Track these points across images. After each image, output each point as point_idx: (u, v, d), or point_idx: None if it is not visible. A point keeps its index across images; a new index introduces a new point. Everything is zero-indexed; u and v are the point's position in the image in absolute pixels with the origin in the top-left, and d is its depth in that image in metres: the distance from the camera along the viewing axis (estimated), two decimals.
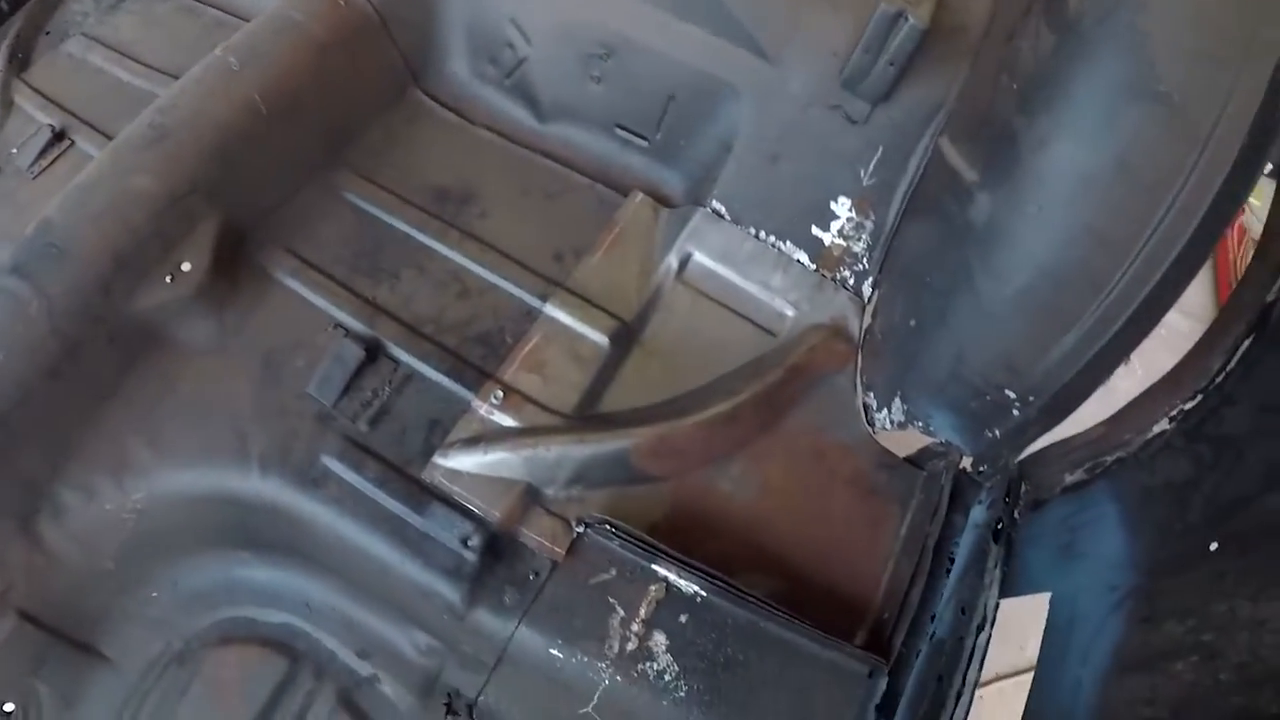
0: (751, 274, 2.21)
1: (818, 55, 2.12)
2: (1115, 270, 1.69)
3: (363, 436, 1.95)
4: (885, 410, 2.11)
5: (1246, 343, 1.75)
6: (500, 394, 1.98)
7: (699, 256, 2.22)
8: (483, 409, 1.97)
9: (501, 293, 2.13)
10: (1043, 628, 1.90)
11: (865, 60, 1.99)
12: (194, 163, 1.98)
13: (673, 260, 2.22)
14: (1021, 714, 1.82)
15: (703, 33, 2.21)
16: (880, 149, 2.09)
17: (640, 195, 2.32)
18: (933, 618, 1.92)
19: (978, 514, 2.00)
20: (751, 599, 1.86)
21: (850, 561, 2.00)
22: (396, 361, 2.02)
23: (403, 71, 2.39)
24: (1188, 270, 1.69)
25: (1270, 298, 1.71)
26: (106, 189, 1.92)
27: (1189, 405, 1.83)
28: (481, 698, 2.00)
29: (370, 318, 2.04)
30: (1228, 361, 1.77)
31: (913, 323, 2.04)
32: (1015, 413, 1.92)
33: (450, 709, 2.01)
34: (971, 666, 1.91)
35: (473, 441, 1.93)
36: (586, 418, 2.01)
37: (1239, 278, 1.89)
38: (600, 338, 2.08)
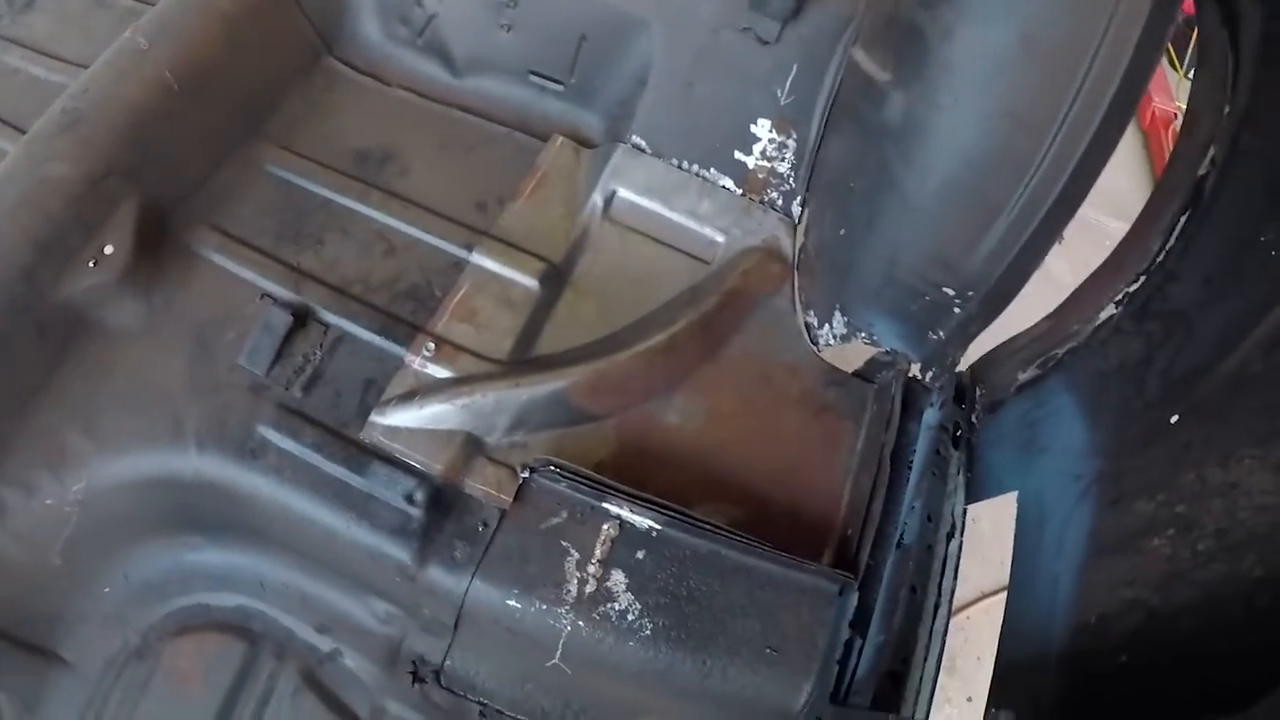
0: (678, 204, 2.11)
1: None
2: (1036, 151, 1.60)
3: (298, 403, 1.83)
4: (827, 326, 2.00)
5: (1183, 219, 1.68)
6: (432, 346, 1.87)
7: (623, 192, 2.12)
8: (416, 363, 1.86)
9: (426, 247, 2.03)
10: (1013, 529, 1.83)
11: None
12: (109, 145, 1.88)
13: (597, 199, 2.11)
14: (1001, 627, 1.74)
15: None
16: (794, 67, 1.99)
17: (560, 139, 2.23)
18: (899, 528, 1.81)
19: (930, 416, 1.88)
20: (709, 527, 1.73)
21: (808, 482, 1.88)
22: (326, 325, 1.91)
23: (314, 40, 2.30)
24: (1109, 141, 1.59)
25: (1201, 172, 1.64)
26: (22, 179, 1.82)
27: (1133, 287, 1.76)
28: (447, 662, 1.89)
29: (297, 284, 1.93)
30: (1167, 240, 1.71)
31: (842, 232, 1.93)
32: (956, 310, 1.80)
33: (416, 677, 1.91)
34: (946, 575, 1.82)
35: (408, 396, 1.82)
36: (522, 362, 1.89)
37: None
38: (530, 281, 1.98)
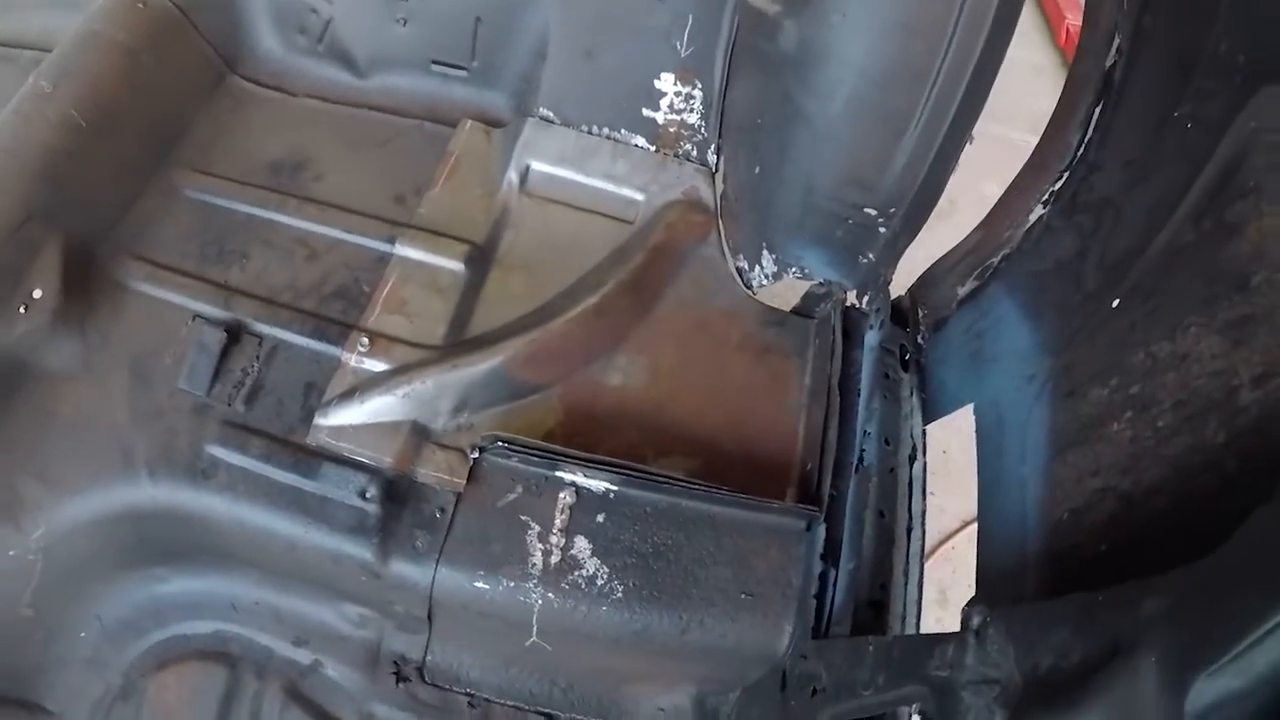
0: (593, 169, 2.00)
1: None
2: (933, 57, 1.50)
3: (241, 417, 1.71)
4: (758, 267, 1.88)
5: (1097, 110, 1.61)
6: (366, 341, 1.74)
7: (537, 165, 2.01)
8: (352, 360, 1.74)
9: (349, 246, 1.92)
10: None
11: None
12: (24, 190, 1.77)
13: (513, 175, 2.00)
14: (977, 541, 1.66)
15: None
16: (690, 17, 1.87)
17: (469, 122, 2.11)
18: (857, 455, 1.71)
19: (870, 338, 1.76)
20: (665, 480, 1.61)
21: (760, 423, 1.77)
22: (260, 336, 1.80)
23: (216, 61, 2.20)
24: (1003, 39, 1.51)
25: (1109, 62, 1.56)
26: None
27: (1058, 185, 1.68)
28: (428, 657, 1.79)
29: (227, 301, 1.82)
30: (1085, 133, 1.63)
31: (757, 170, 1.81)
32: (881, 229, 1.67)
33: (400, 676, 1.82)
34: (915, 497, 1.73)
35: (349, 394, 1.69)
36: (457, 344, 1.78)
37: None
38: (455, 264, 1.86)
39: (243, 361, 1.81)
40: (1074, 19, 4.83)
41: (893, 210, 1.65)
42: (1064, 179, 1.68)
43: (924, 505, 1.73)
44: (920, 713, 1.62)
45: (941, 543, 2.96)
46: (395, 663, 1.79)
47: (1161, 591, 0.88)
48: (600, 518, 1.67)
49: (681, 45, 1.87)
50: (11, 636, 1.73)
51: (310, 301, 1.87)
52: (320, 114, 2.20)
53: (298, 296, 1.88)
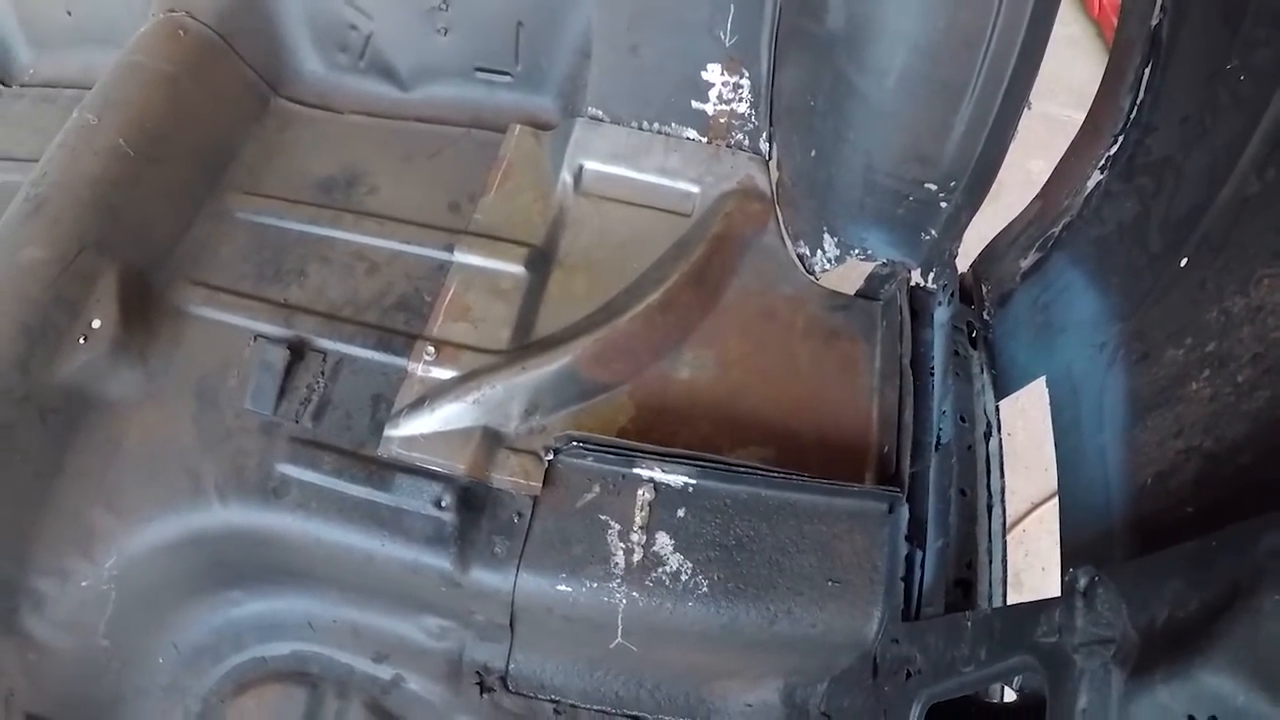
0: (646, 165, 2.04)
1: None
2: (984, 24, 1.52)
3: (310, 433, 1.75)
4: (819, 252, 1.92)
5: (1146, 71, 1.61)
6: (433, 350, 1.79)
7: (591, 164, 2.05)
8: (419, 370, 1.78)
9: (408, 257, 1.96)
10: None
11: None
12: (77, 222, 1.82)
13: (566, 176, 2.05)
14: (1059, 514, 1.64)
15: None
16: (732, 6, 1.92)
17: (518, 126, 2.16)
18: (934, 434, 1.73)
19: (940, 315, 1.80)
20: (745, 470, 1.65)
21: (834, 408, 1.80)
22: (324, 352, 1.84)
23: (259, 85, 2.25)
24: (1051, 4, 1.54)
25: (1154, 21, 1.58)
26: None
27: (1114, 149, 1.68)
28: (511, 665, 1.80)
29: (287, 319, 1.86)
30: (1136, 95, 1.64)
31: (813, 154, 1.85)
32: (943, 204, 1.72)
33: (484, 687, 1.82)
34: (992, 475, 1.72)
35: (418, 403, 1.73)
36: (524, 347, 1.82)
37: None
38: (516, 268, 1.91)
39: (308, 378, 1.85)
40: None
41: (953, 184, 1.70)
42: (1119, 143, 1.69)
43: (1002, 482, 1.73)
44: (1020, 689, 1.61)
45: (1013, 526, 2.92)
46: (478, 673, 1.81)
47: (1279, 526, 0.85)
48: (681, 512, 1.69)
49: (725, 35, 1.91)
50: (89, 668, 1.76)
51: (373, 314, 1.91)
52: (368, 129, 2.26)
53: (359, 310, 1.92)
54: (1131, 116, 1.65)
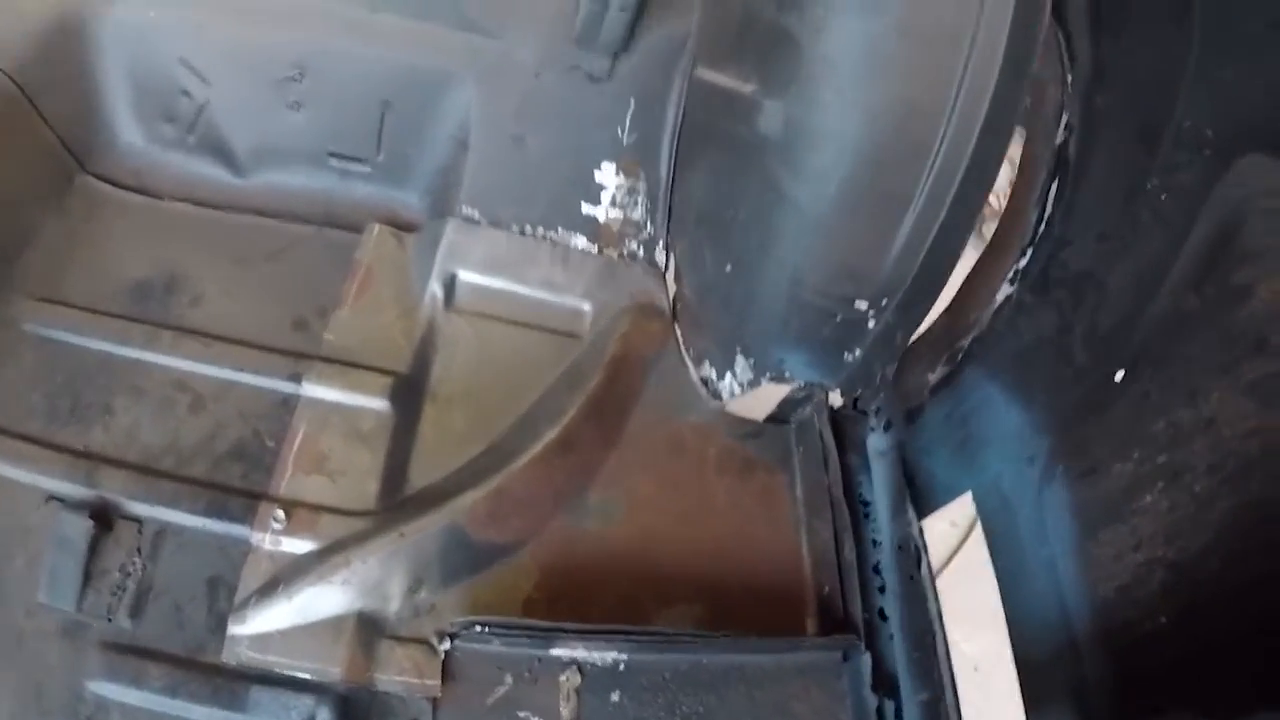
0: (530, 277, 1.83)
1: (541, 18, 1.83)
2: (934, 133, 1.47)
3: (129, 635, 1.39)
4: (729, 375, 1.81)
5: (1054, 186, 1.65)
6: (281, 515, 1.47)
7: (465, 275, 1.82)
8: (267, 541, 1.45)
9: (243, 389, 1.62)
10: (976, 525, 1.64)
11: (595, 10, 1.72)
12: None
13: (436, 288, 1.79)
14: (1005, 621, 1.51)
15: (405, 21, 1.85)
16: (632, 102, 1.81)
17: (378, 226, 1.88)
18: (876, 568, 1.65)
19: (877, 442, 1.76)
20: (682, 639, 1.47)
21: (760, 547, 1.67)
22: (139, 520, 1.46)
23: (64, 156, 1.82)
24: (1008, 115, 1.48)
25: (1059, 139, 1.64)
26: None
27: (1023, 263, 1.71)
28: None
29: (89, 474, 1.48)
30: (1043, 210, 1.67)
31: (729, 268, 1.76)
32: (871, 324, 1.67)
33: None
34: (930, 600, 1.61)
35: (270, 588, 1.41)
36: (398, 506, 1.54)
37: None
38: (379, 402, 1.62)
39: (120, 556, 1.47)
40: None
41: (885, 301, 1.69)
42: (1029, 256, 1.71)
43: (939, 607, 1.62)
44: None
45: None
46: None
47: None
48: (615, 696, 1.46)
49: (623, 132, 1.80)
50: None
51: (200, 466, 1.56)
52: (194, 221, 1.90)
53: (183, 461, 1.57)
54: (1040, 230, 1.68)
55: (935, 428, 1.77)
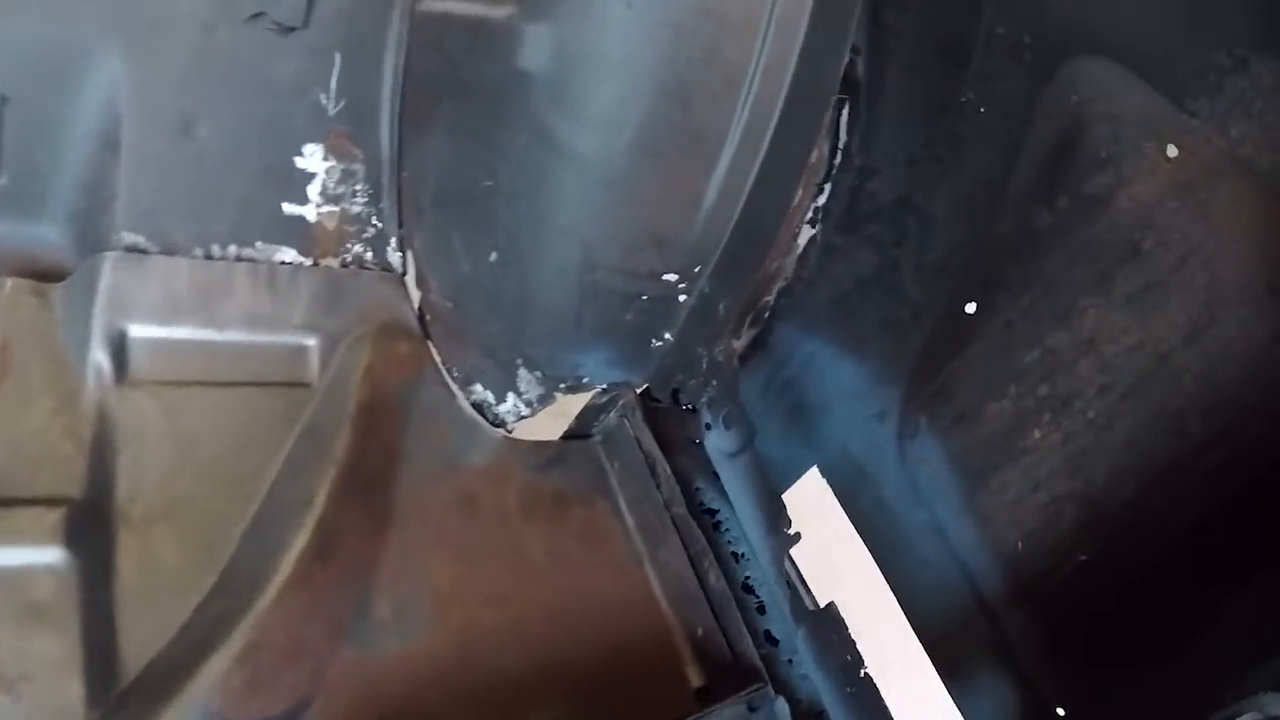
0: (226, 315, 1.30)
1: None
2: (747, 55, 1.19)
3: None
4: (511, 395, 1.44)
5: (844, 113, 1.54)
6: None
7: (138, 330, 1.24)
8: None
9: None
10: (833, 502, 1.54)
11: None
12: None
13: (101, 358, 1.20)
14: (896, 598, 1.42)
15: None
16: (337, 56, 1.30)
17: (10, 281, 1.23)
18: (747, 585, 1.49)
19: (720, 442, 1.48)
20: None
21: (604, 601, 1.37)
22: None
23: None
24: (839, 27, 1.24)
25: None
26: None
27: (821, 199, 1.56)
28: None
29: None
30: (835, 140, 1.54)
31: (493, 257, 1.38)
32: (682, 298, 1.36)
33: None
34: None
35: None
36: (117, 707, 1.02)
37: None
38: (50, 553, 1.05)
39: None
40: None
41: (698, 268, 1.37)
42: (827, 192, 1.59)
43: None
44: None
45: None
46: None
47: None
48: None
49: (328, 98, 1.25)
50: None
51: None
52: None
53: None
54: (836, 162, 1.57)
55: (754, 400, 1.58)
